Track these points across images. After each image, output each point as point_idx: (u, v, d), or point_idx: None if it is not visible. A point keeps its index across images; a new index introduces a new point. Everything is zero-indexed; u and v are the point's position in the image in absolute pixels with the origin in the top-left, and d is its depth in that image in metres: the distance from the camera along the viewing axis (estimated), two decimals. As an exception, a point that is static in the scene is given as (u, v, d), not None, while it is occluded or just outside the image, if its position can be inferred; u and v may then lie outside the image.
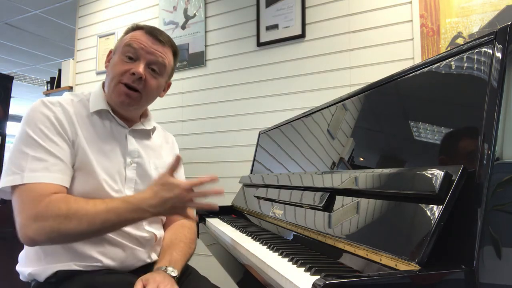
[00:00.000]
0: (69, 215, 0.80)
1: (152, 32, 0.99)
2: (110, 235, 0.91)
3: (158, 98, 1.07)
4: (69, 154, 0.90)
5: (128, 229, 0.94)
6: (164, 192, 0.85)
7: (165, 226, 1.12)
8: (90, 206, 0.82)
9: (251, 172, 1.82)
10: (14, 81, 3.59)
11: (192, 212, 1.20)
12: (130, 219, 0.85)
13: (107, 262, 0.91)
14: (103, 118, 1.00)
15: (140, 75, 0.95)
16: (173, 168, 0.89)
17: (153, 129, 1.12)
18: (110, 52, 1.04)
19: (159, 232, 1.04)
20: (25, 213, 0.81)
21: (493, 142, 0.55)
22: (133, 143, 1.02)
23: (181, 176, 1.20)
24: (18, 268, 0.93)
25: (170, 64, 1.03)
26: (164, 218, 1.10)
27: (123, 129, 1.02)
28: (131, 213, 0.84)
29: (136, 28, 1.01)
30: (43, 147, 0.86)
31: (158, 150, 1.11)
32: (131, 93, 0.96)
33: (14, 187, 0.84)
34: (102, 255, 0.90)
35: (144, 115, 1.11)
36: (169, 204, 0.86)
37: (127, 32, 1.02)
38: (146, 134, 1.09)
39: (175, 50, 1.05)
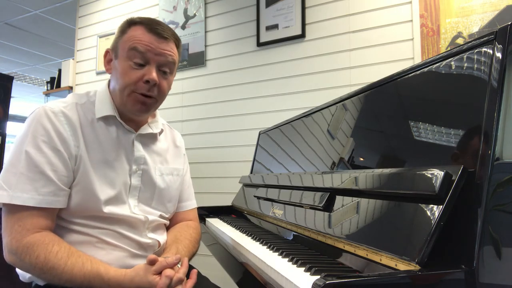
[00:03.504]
0: (44, 269, 0.79)
1: (154, 29, 0.92)
2: (113, 240, 0.90)
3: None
4: (65, 174, 0.86)
5: (131, 235, 0.93)
6: (141, 284, 0.81)
7: (169, 226, 1.11)
8: (67, 269, 0.79)
9: (251, 172, 1.82)
10: (14, 81, 3.60)
11: (195, 214, 1.20)
12: None
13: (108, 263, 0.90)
14: (109, 124, 0.95)
15: (155, 82, 0.91)
16: (159, 270, 0.82)
17: (161, 132, 1.08)
18: (107, 52, 0.97)
19: (162, 238, 1.02)
20: (8, 240, 0.82)
21: (493, 142, 0.55)
22: (139, 150, 0.99)
23: (187, 180, 1.18)
24: (18, 270, 0.92)
25: (177, 59, 0.99)
26: (167, 222, 1.09)
27: (130, 135, 0.98)
28: None
29: (132, 23, 0.94)
30: (37, 166, 0.83)
31: (164, 154, 1.07)
32: (147, 100, 0.93)
33: (2, 203, 0.83)
34: (104, 262, 0.88)
35: (152, 115, 1.08)
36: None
37: (123, 29, 0.94)
38: (153, 138, 1.05)
39: (178, 42, 0.99)
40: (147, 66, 0.91)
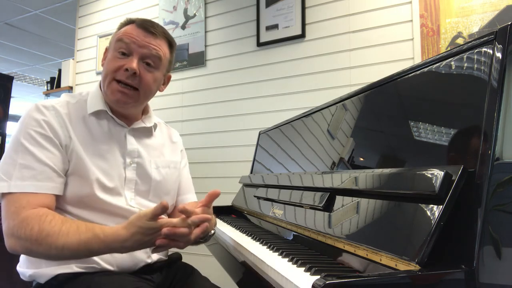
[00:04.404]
0: (39, 240, 0.77)
1: (144, 25, 0.96)
2: None
3: (158, 98, 1.06)
4: (60, 160, 0.88)
5: None
6: (141, 235, 0.76)
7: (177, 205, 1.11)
8: (62, 234, 0.78)
9: (251, 172, 1.82)
10: (14, 81, 3.60)
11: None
12: (101, 253, 0.81)
13: (108, 262, 0.90)
14: (101, 119, 0.97)
15: (134, 71, 0.92)
16: (155, 214, 0.76)
17: (155, 126, 1.09)
18: (106, 50, 1.01)
19: None
20: (6, 225, 0.82)
21: (493, 142, 0.55)
22: (132, 143, 1.01)
23: (186, 174, 1.19)
24: (19, 268, 0.92)
25: (166, 56, 1.00)
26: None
27: (122, 129, 1.00)
28: (103, 250, 0.79)
29: (128, 22, 0.99)
30: (32, 154, 0.85)
31: (160, 148, 1.09)
32: (125, 90, 0.94)
33: (2, 194, 0.84)
34: (103, 256, 0.89)
35: (145, 112, 1.09)
36: (143, 246, 0.79)
37: (119, 28, 0.99)
38: (147, 132, 1.07)
39: (170, 42, 1.02)
40: (130, 56, 0.94)
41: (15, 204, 0.82)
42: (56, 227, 0.79)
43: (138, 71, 0.93)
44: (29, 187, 0.83)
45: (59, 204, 0.90)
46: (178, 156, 1.16)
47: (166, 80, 1.07)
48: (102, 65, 1.01)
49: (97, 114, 0.97)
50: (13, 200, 0.83)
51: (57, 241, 0.77)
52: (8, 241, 0.82)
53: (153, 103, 1.09)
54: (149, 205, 1.01)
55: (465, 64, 0.66)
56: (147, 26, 0.96)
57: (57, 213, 0.84)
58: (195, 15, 2.57)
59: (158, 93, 1.07)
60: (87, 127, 0.95)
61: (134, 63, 0.92)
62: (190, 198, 1.17)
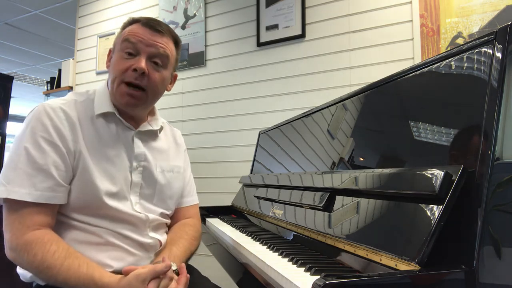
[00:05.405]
0: (39, 268, 0.80)
1: (149, 23, 0.94)
2: (114, 240, 0.90)
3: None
4: (63, 169, 0.86)
5: (132, 234, 0.93)
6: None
7: (170, 224, 1.10)
8: (63, 270, 0.79)
9: (251, 172, 1.82)
10: (14, 81, 3.60)
11: (195, 211, 1.19)
12: None
13: (110, 267, 0.89)
14: (109, 121, 0.96)
15: (143, 70, 0.90)
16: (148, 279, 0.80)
17: (161, 129, 1.08)
18: (110, 51, 1.00)
19: (163, 237, 1.02)
20: (9, 237, 0.82)
21: (493, 142, 0.55)
22: (139, 146, 0.99)
23: (188, 176, 1.18)
24: (19, 270, 0.91)
25: (172, 55, 0.98)
26: (168, 221, 1.08)
27: (130, 132, 0.99)
28: None
29: (132, 21, 0.97)
30: (34, 160, 0.83)
31: (165, 152, 1.07)
32: (134, 93, 0.92)
33: (3, 199, 0.83)
34: (106, 260, 0.88)
35: (152, 113, 1.07)
36: None
37: (124, 27, 0.97)
38: (154, 135, 1.05)
39: (176, 40, 1.00)
40: (137, 56, 0.92)
41: (18, 219, 0.82)
42: (59, 261, 0.80)
43: (147, 71, 0.92)
44: (28, 196, 0.82)
45: (64, 211, 0.89)
46: (181, 159, 1.14)
47: (173, 79, 1.06)
48: (107, 67, 0.99)
49: (105, 116, 0.95)
50: (16, 213, 0.82)
51: (57, 276, 0.79)
52: (10, 253, 0.83)
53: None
54: (153, 209, 1.00)
55: (465, 64, 0.66)
56: (153, 25, 0.94)
57: (62, 241, 0.84)
58: (195, 15, 2.57)
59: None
60: (96, 129, 0.93)
61: (142, 63, 0.91)
62: (190, 201, 1.15)
